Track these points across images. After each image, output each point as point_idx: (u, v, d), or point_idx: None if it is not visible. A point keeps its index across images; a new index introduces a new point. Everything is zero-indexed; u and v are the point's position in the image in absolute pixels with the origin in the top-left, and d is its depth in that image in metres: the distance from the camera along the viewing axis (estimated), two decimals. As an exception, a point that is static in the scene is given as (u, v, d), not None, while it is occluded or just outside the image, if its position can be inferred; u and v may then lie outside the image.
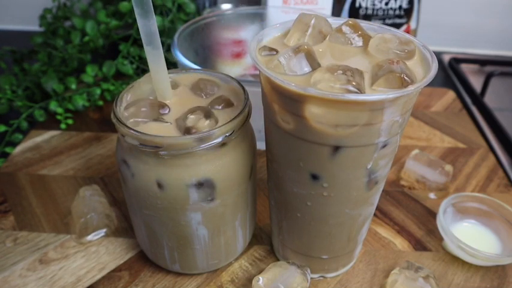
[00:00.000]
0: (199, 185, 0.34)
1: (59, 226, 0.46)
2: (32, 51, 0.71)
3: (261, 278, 0.38)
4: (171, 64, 0.70)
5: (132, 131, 0.32)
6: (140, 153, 0.33)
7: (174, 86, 0.38)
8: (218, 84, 0.38)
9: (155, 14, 0.66)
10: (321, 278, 0.42)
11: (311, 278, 0.41)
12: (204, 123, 0.33)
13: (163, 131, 0.33)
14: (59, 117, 0.60)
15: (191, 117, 0.33)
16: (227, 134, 0.33)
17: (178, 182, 0.34)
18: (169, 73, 0.39)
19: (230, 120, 0.33)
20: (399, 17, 0.68)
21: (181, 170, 0.33)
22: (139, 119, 0.34)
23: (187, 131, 0.33)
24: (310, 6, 0.65)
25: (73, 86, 0.63)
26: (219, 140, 0.33)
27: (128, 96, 0.36)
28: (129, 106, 0.35)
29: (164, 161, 0.33)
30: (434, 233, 0.46)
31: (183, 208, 0.35)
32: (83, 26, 0.67)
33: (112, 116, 0.34)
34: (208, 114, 0.34)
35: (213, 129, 0.32)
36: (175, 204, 0.35)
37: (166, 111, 0.35)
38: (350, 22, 0.35)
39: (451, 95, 0.72)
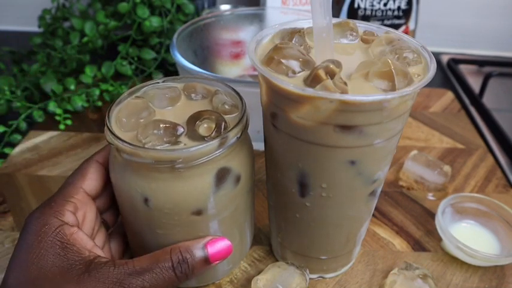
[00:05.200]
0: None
1: (58, 227, 0.46)
2: (31, 52, 0.71)
3: (259, 278, 0.38)
4: (170, 65, 0.71)
5: (143, 150, 0.30)
6: (152, 172, 0.31)
7: (176, 98, 0.36)
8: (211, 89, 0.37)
9: (153, 14, 0.67)
10: (320, 278, 0.42)
11: (310, 279, 0.40)
12: (215, 127, 0.32)
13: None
14: (57, 117, 0.60)
15: (202, 123, 0.32)
16: (238, 136, 0.32)
17: (198, 192, 0.32)
18: (162, 82, 0.37)
19: (239, 121, 0.33)
20: (398, 17, 0.68)
21: (198, 180, 0.32)
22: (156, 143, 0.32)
23: (200, 138, 0.32)
24: (308, 7, 0.65)
25: (72, 87, 0.63)
26: (233, 141, 0.32)
27: (121, 113, 0.34)
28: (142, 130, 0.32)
29: (179, 174, 0.31)
30: (433, 233, 0.47)
31: (202, 219, 0.34)
32: (82, 26, 0.67)
33: (110, 137, 0.32)
34: (219, 118, 0.33)
35: (228, 131, 0.32)
36: (194, 217, 0.33)
37: (182, 131, 0.32)
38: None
39: (449, 95, 0.72)
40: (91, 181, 0.35)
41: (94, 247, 0.32)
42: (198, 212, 0.33)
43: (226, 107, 0.35)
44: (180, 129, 0.32)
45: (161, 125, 0.32)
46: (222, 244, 0.33)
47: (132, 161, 0.31)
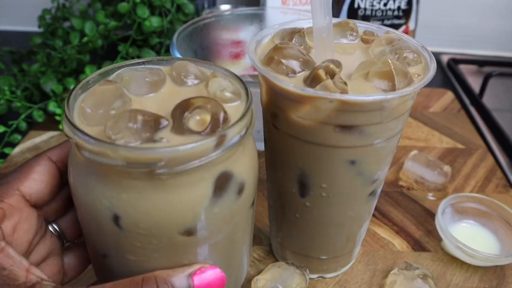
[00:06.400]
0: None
1: (58, 227, 0.46)
2: (31, 52, 0.71)
3: (259, 278, 0.38)
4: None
5: (111, 147, 0.23)
6: (124, 178, 0.24)
7: (160, 82, 0.28)
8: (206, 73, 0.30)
9: (153, 14, 0.67)
10: (320, 278, 0.42)
11: (310, 279, 0.40)
12: (212, 120, 0.25)
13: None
14: (57, 118, 0.60)
15: (192, 114, 0.24)
16: (242, 134, 0.25)
17: (187, 207, 0.24)
18: (142, 64, 0.30)
19: (244, 113, 0.25)
20: (398, 17, 0.68)
21: (188, 190, 0.24)
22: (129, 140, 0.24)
23: (190, 134, 0.24)
24: (308, 7, 0.65)
25: (72, 87, 0.63)
26: (236, 140, 0.25)
27: (86, 103, 0.26)
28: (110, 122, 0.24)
29: (161, 182, 0.24)
30: (433, 233, 0.47)
31: (190, 243, 0.26)
32: (82, 26, 0.67)
33: (68, 129, 0.24)
34: (216, 108, 0.25)
35: (229, 126, 0.24)
36: (179, 241, 0.25)
37: (165, 124, 0.25)
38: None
39: (449, 95, 0.72)
40: (34, 183, 0.27)
41: (31, 267, 0.25)
42: (186, 234, 0.25)
43: (227, 94, 0.27)
44: (164, 122, 0.24)
45: (139, 117, 0.24)
46: (213, 275, 0.26)
47: (97, 163, 0.23)
